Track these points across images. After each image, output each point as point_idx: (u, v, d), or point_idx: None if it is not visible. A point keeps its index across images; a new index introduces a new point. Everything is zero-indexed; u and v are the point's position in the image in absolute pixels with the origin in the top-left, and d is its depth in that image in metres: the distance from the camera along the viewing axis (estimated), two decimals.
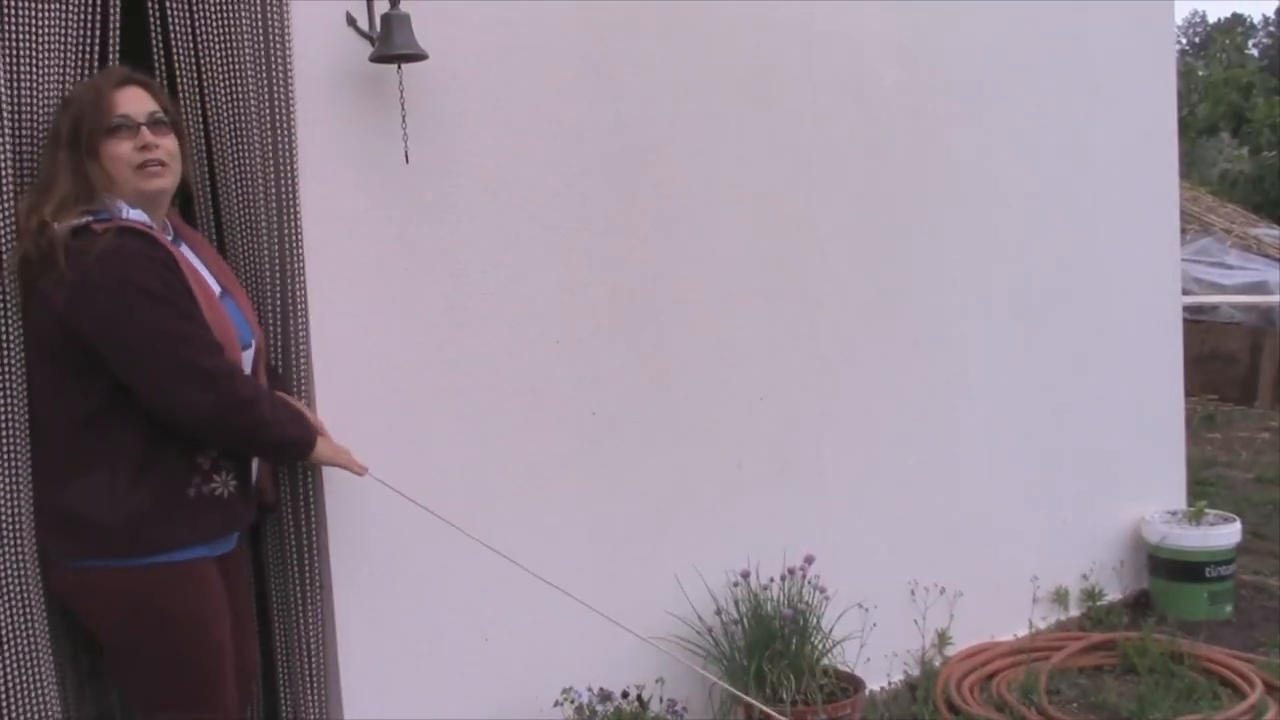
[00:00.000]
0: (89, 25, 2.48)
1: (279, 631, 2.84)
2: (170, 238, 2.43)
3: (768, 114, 3.69)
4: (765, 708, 3.11)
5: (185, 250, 2.46)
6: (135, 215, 2.33)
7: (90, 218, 2.27)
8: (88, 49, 2.48)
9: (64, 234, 2.23)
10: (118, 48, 2.55)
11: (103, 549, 2.29)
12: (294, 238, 2.73)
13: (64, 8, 2.43)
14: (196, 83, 2.67)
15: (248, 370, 2.49)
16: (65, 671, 2.53)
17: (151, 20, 2.62)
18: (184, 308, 2.31)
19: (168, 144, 2.38)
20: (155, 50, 2.63)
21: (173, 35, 2.62)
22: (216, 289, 2.46)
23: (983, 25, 4.26)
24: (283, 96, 2.69)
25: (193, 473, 2.35)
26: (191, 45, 2.65)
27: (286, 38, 2.69)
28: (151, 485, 2.30)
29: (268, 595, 2.85)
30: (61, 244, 2.22)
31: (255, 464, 2.57)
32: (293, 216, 2.72)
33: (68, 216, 2.25)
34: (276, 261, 2.73)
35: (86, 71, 2.48)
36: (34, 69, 2.39)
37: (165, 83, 2.60)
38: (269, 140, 2.72)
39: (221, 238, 2.77)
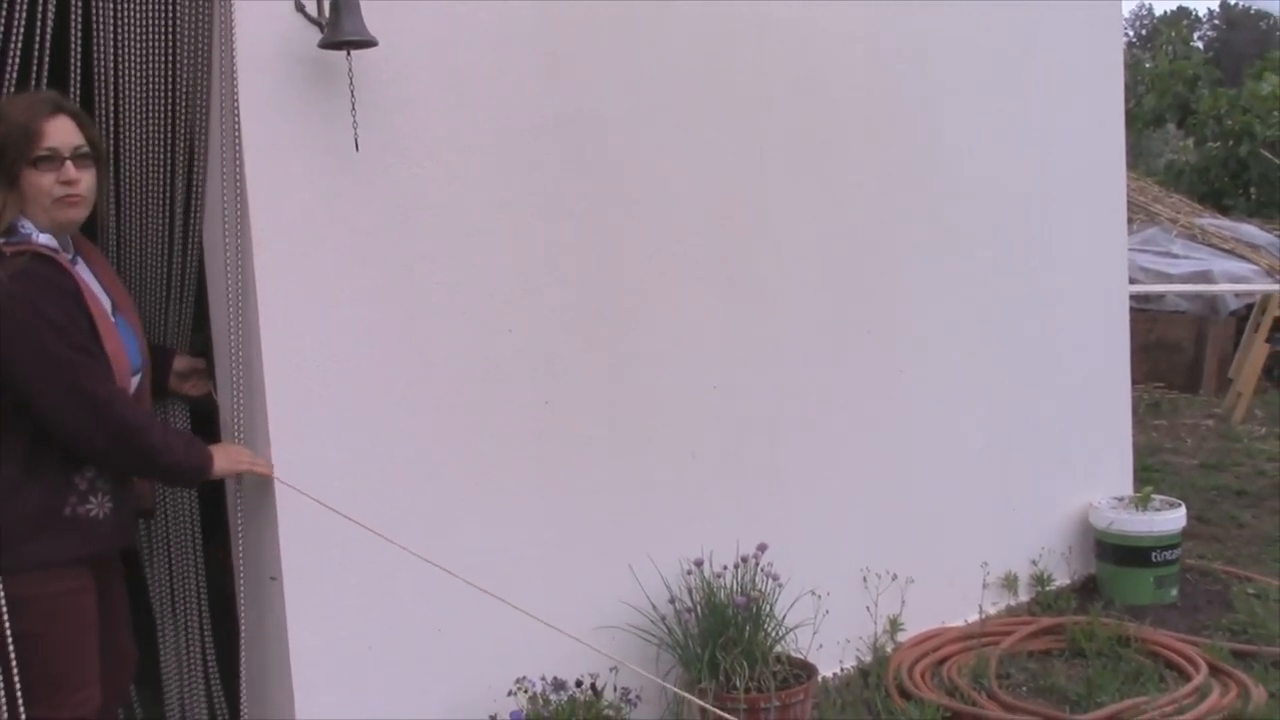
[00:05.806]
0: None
1: (244, 627, 2.83)
2: (70, 256, 2.47)
3: (722, 105, 3.69)
4: (706, 705, 3.11)
5: (82, 267, 2.51)
6: (45, 240, 2.38)
7: (2, 239, 2.33)
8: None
9: None
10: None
11: None
12: (242, 229, 2.69)
13: None
14: (114, 73, 2.63)
15: (134, 393, 2.53)
16: None
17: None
18: (81, 339, 2.36)
19: (88, 178, 2.43)
20: (74, 33, 2.58)
21: (95, 21, 2.57)
22: (108, 304, 2.50)
23: (934, 18, 4.28)
24: (228, 83, 2.65)
25: (69, 492, 2.39)
26: (112, 31, 2.60)
27: (229, 21, 2.65)
28: (27, 502, 2.33)
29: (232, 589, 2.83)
30: None
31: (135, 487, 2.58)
32: (241, 208, 2.68)
33: None
34: (222, 253, 2.69)
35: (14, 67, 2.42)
36: None
37: (80, 69, 2.58)
38: (210, 129, 2.68)
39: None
